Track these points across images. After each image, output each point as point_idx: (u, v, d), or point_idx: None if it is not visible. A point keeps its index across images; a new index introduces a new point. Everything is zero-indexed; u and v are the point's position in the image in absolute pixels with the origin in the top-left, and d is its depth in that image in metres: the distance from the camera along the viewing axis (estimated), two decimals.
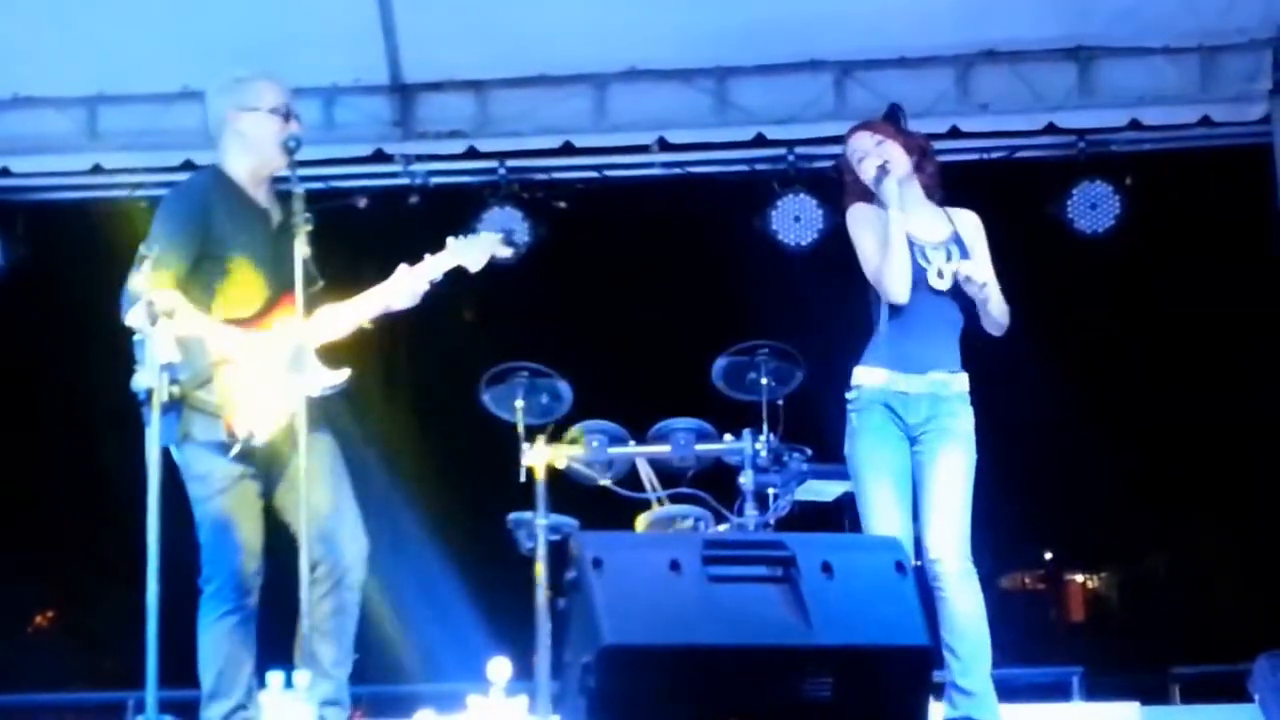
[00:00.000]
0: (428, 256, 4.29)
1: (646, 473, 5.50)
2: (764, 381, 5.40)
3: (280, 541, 4.07)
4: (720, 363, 5.49)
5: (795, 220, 6.78)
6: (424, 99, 6.66)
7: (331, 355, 4.15)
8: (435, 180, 6.92)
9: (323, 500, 3.99)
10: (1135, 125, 6.56)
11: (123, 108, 6.60)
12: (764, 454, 5.24)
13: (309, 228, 3.88)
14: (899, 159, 4.29)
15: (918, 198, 4.34)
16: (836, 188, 4.58)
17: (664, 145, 6.72)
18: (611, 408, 5.55)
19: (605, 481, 5.44)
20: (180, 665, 3.94)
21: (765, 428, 5.32)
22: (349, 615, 4.10)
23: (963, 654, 4.08)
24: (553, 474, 5.31)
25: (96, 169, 6.76)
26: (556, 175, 6.98)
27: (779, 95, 6.55)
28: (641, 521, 5.47)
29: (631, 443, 5.46)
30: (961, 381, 4.27)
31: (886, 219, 4.21)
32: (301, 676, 3.53)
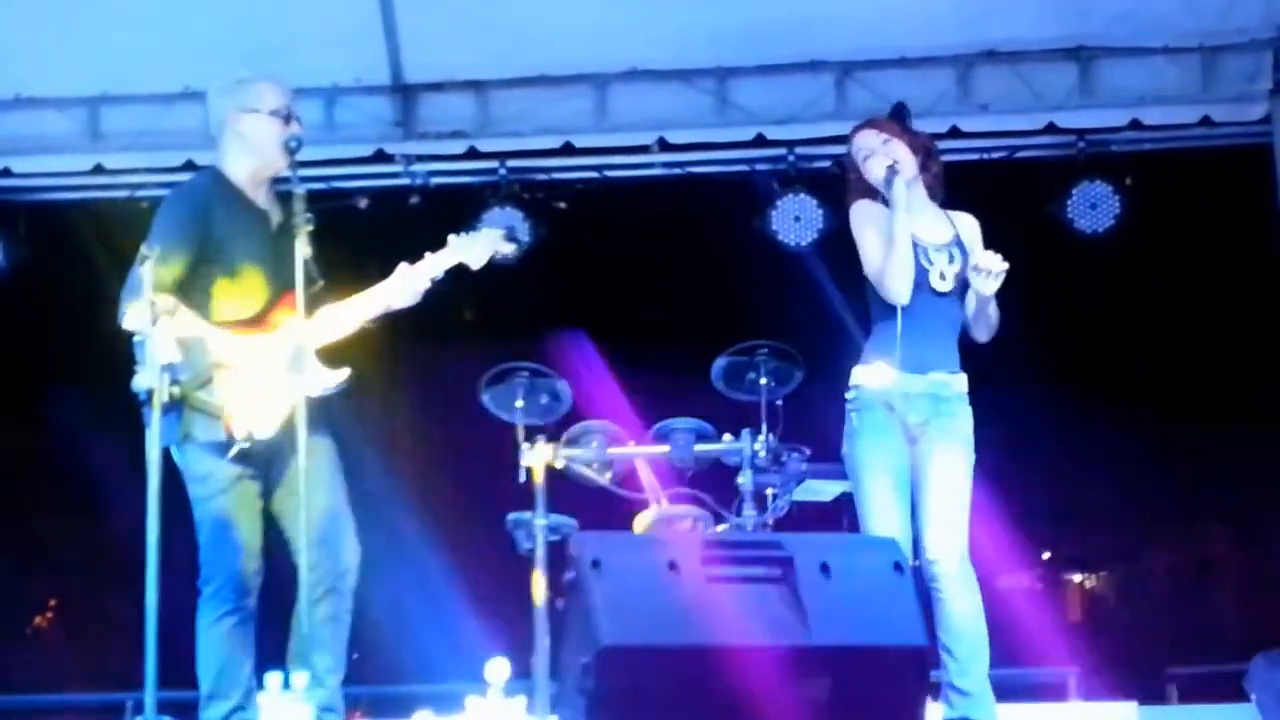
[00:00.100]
0: (428, 254, 4.29)
1: (646, 473, 5.50)
2: (763, 382, 5.40)
3: (276, 545, 4.08)
4: (719, 363, 5.49)
5: (795, 220, 6.79)
6: (425, 99, 6.67)
7: (332, 355, 4.16)
8: (436, 180, 6.93)
9: (320, 505, 4.00)
10: (1135, 125, 6.56)
11: (124, 108, 6.61)
12: (763, 454, 5.23)
13: (310, 228, 3.88)
14: (906, 159, 4.29)
15: (922, 199, 4.34)
16: (838, 186, 4.58)
17: (664, 145, 6.72)
18: (611, 408, 5.55)
19: (604, 482, 5.45)
20: (179, 666, 3.95)
21: (764, 428, 5.32)
22: (342, 622, 4.11)
23: (960, 654, 4.08)
24: (552, 474, 5.31)
25: (98, 169, 6.77)
26: (557, 175, 6.98)
27: (779, 95, 6.56)
28: (640, 522, 5.48)
29: (631, 443, 5.47)
30: (961, 382, 4.27)
31: (891, 218, 4.20)
32: (300, 678, 3.53)
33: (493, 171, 6.88)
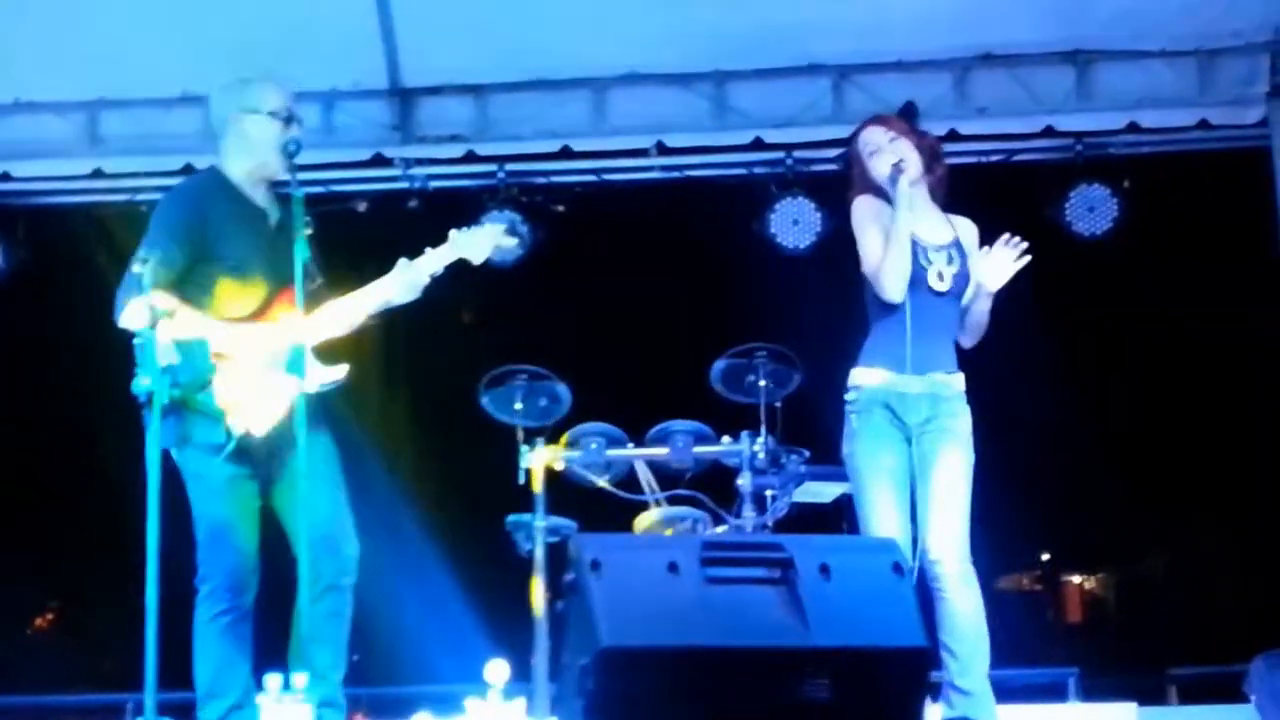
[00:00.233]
0: (429, 250, 4.25)
1: (645, 475, 5.51)
2: (762, 384, 5.42)
3: (276, 542, 4.09)
4: (718, 365, 5.51)
5: (793, 224, 6.80)
6: (423, 103, 6.68)
7: (331, 356, 4.16)
8: (434, 184, 6.94)
9: (320, 502, 4.01)
10: (1133, 128, 6.57)
11: (123, 112, 6.62)
12: (762, 456, 5.25)
13: (309, 231, 3.89)
14: (912, 158, 4.29)
15: (924, 199, 4.34)
16: (838, 184, 4.59)
17: (662, 149, 6.73)
18: (610, 410, 5.56)
19: (604, 484, 5.46)
20: (180, 667, 3.96)
21: (763, 430, 5.34)
22: (343, 618, 4.12)
23: (961, 654, 4.08)
24: (551, 476, 5.32)
25: (97, 173, 6.78)
26: (555, 179, 6.99)
27: (777, 99, 6.57)
28: (640, 523, 5.49)
29: (630, 445, 5.48)
30: (959, 382, 4.28)
31: (892, 215, 4.21)
32: (300, 678, 3.54)
33: (491, 175, 6.88)
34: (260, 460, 4.05)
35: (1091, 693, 6.63)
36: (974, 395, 4.29)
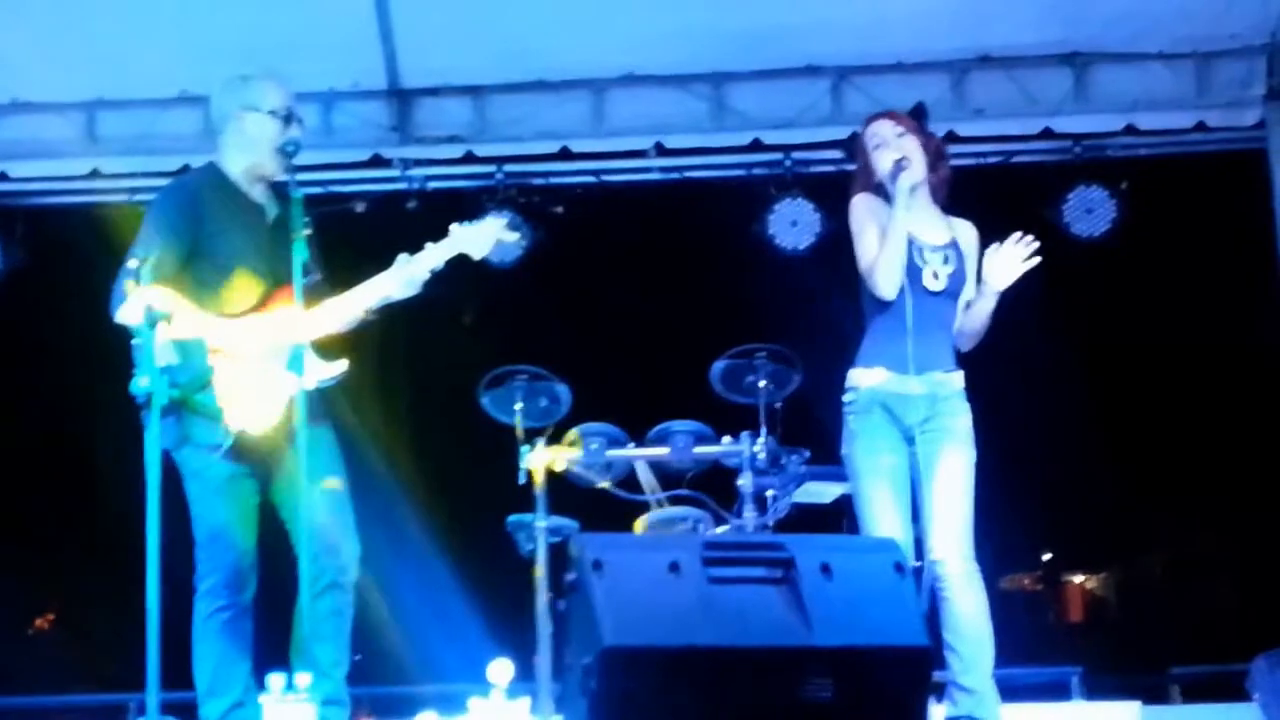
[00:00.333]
0: (429, 245, 4.23)
1: (646, 475, 5.52)
2: (762, 384, 5.42)
3: (277, 541, 4.09)
4: (718, 366, 5.51)
5: (792, 225, 6.80)
6: (422, 104, 6.68)
7: (330, 354, 4.16)
8: (433, 185, 6.94)
9: (321, 500, 4.00)
10: (1131, 130, 6.58)
11: (121, 112, 6.63)
12: (762, 456, 5.25)
13: (308, 231, 3.89)
14: (917, 156, 4.29)
15: (924, 199, 4.35)
16: (837, 185, 4.59)
17: (661, 150, 6.74)
18: (610, 410, 5.57)
19: (604, 484, 5.46)
20: (181, 667, 3.96)
21: (763, 430, 5.34)
22: (345, 616, 4.11)
23: (964, 653, 4.09)
24: (552, 476, 5.32)
25: (95, 173, 6.78)
26: (554, 180, 6.99)
27: (776, 100, 6.58)
28: (641, 523, 5.49)
29: (631, 445, 5.48)
30: (958, 380, 4.28)
31: (890, 213, 4.22)
32: (303, 678, 3.54)
33: (490, 176, 6.89)
34: (259, 458, 4.05)
35: (1094, 692, 6.64)
36: (974, 395, 4.29)
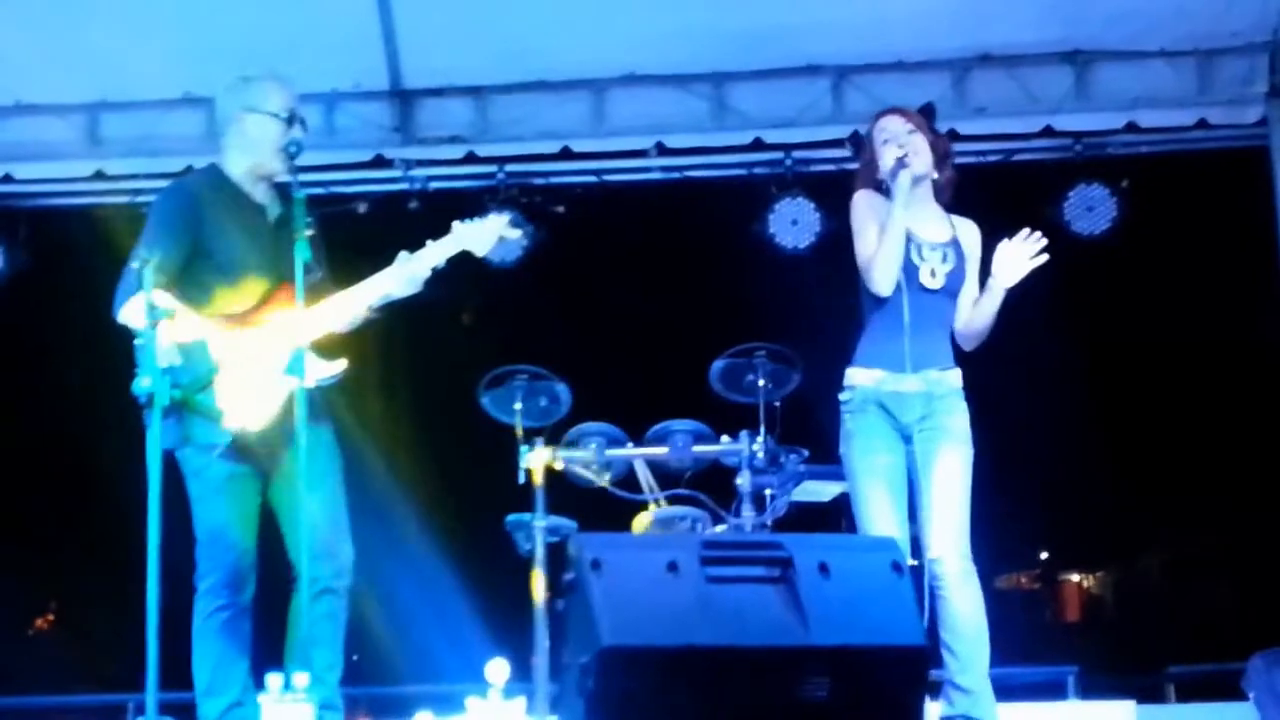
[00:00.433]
0: (430, 242, 4.23)
1: (644, 474, 5.52)
2: (761, 383, 5.43)
3: (273, 542, 4.10)
4: (718, 365, 5.52)
5: (793, 224, 6.81)
6: (424, 104, 6.69)
7: (330, 354, 4.17)
8: (435, 185, 6.95)
9: (317, 505, 4.01)
10: (1132, 128, 6.58)
11: (124, 114, 6.64)
12: (761, 455, 5.26)
13: (310, 232, 3.90)
14: (924, 155, 4.29)
15: (927, 198, 4.35)
16: (837, 185, 4.59)
17: (662, 150, 6.74)
18: (609, 410, 5.58)
19: (603, 483, 5.47)
20: (181, 668, 3.97)
21: (762, 429, 5.35)
22: (338, 621, 4.12)
23: (961, 652, 4.09)
24: (551, 476, 5.33)
25: (98, 175, 6.78)
26: (555, 180, 7.00)
27: (776, 100, 6.58)
28: (639, 523, 5.50)
29: (629, 444, 5.49)
30: (955, 378, 4.27)
31: (889, 209, 4.23)
32: (301, 678, 3.55)
33: (491, 176, 6.89)
34: (260, 457, 4.06)
35: (1090, 691, 6.64)
36: (973, 394, 4.29)
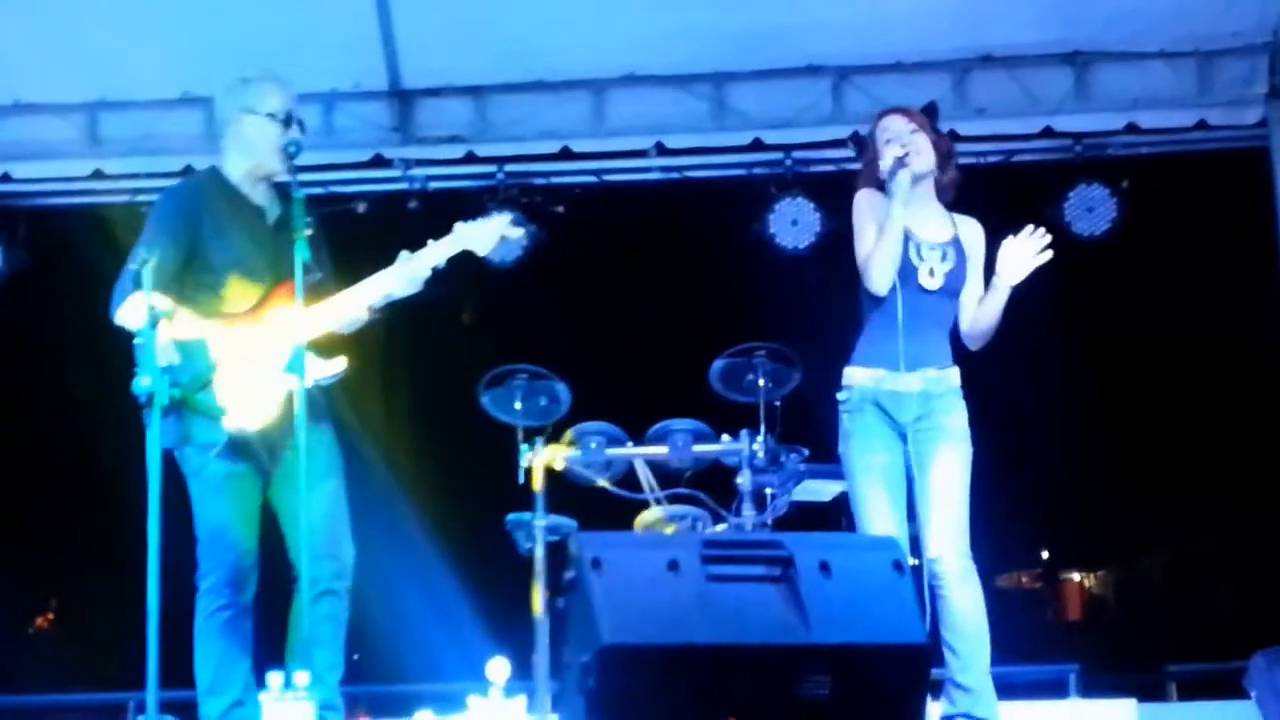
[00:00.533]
0: (431, 242, 4.22)
1: (645, 473, 5.52)
2: (761, 383, 5.43)
3: (275, 541, 4.10)
4: (718, 364, 5.52)
5: (792, 224, 6.81)
6: (423, 104, 6.68)
7: (330, 353, 4.17)
8: (434, 185, 6.95)
9: (318, 505, 4.01)
10: (1132, 129, 6.57)
11: (123, 114, 6.63)
12: (761, 455, 5.26)
13: (310, 232, 3.90)
14: (926, 154, 4.29)
15: (929, 197, 4.34)
16: (837, 185, 4.59)
17: (662, 150, 6.74)
18: (609, 409, 5.58)
19: (603, 482, 5.47)
20: (181, 666, 3.97)
21: (762, 429, 5.35)
22: (339, 622, 4.12)
23: (962, 651, 4.09)
24: (551, 475, 5.33)
25: (97, 174, 6.78)
26: (555, 180, 6.99)
27: (776, 100, 6.58)
28: (640, 522, 5.50)
29: (630, 444, 5.49)
30: (953, 376, 4.27)
31: (888, 208, 4.23)
32: (302, 676, 3.55)
33: (491, 176, 6.89)
34: (260, 457, 4.06)
35: (1091, 689, 6.64)
36: (973, 393, 4.29)
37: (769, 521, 5.37)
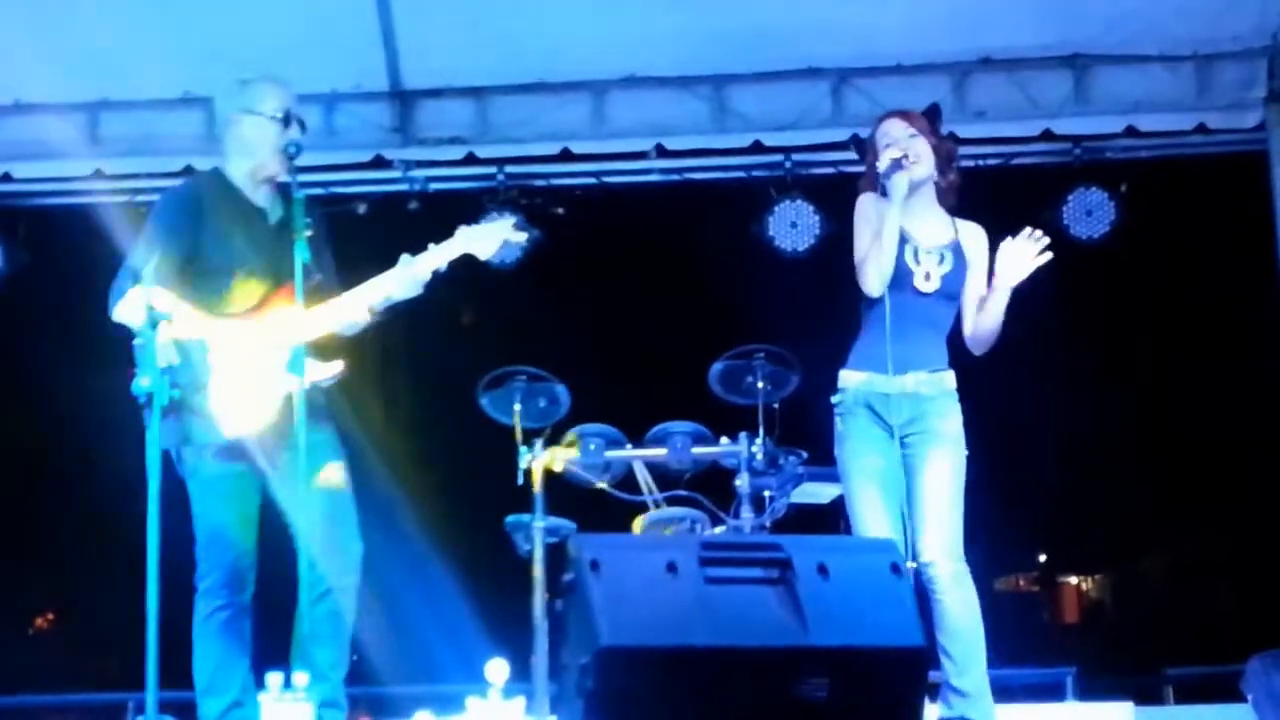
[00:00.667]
0: (432, 245, 4.22)
1: (643, 475, 5.53)
2: (760, 385, 5.44)
3: (278, 541, 4.10)
4: (717, 367, 5.53)
5: (792, 226, 6.81)
6: (424, 105, 6.69)
7: (330, 355, 4.17)
8: (435, 186, 6.96)
9: (322, 501, 4.02)
10: (1131, 132, 6.58)
11: (123, 114, 6.63)
12: (760, 457, 5.27)
13: (311, 233, 3.91)
14: (925, 157, 4.29)
15: (929, 201, 4.35)
16: (837, 187, 4.59)
17: (662, 152, 6.74)
18: (609, 411, 5.58)
19: (602, 484, 5.48)
20: (181, 666, 3.98)
21: (761, 431, 5.35)
22: (344, 619, 4.13)
23: (957, 655, 4.09)
24: (550, 477, 5.34)
25: (97, 174, 6.79)
26: (555, 181, 7.00)
27: (776, 102, 6.58)
28: (638, 524, 5.50)
29: (629, 446, 5.49)
30: (946, 380, 4.27)
31: (885, 212, 4.23)
32: (301, 677, 3.56)
33: (491, 177, 6.89)
34: (260, 458, 4.06)
35: (1088, 692, 6.64)
36: (971, 397, 4.29)
37: (767, 524, 5.37)
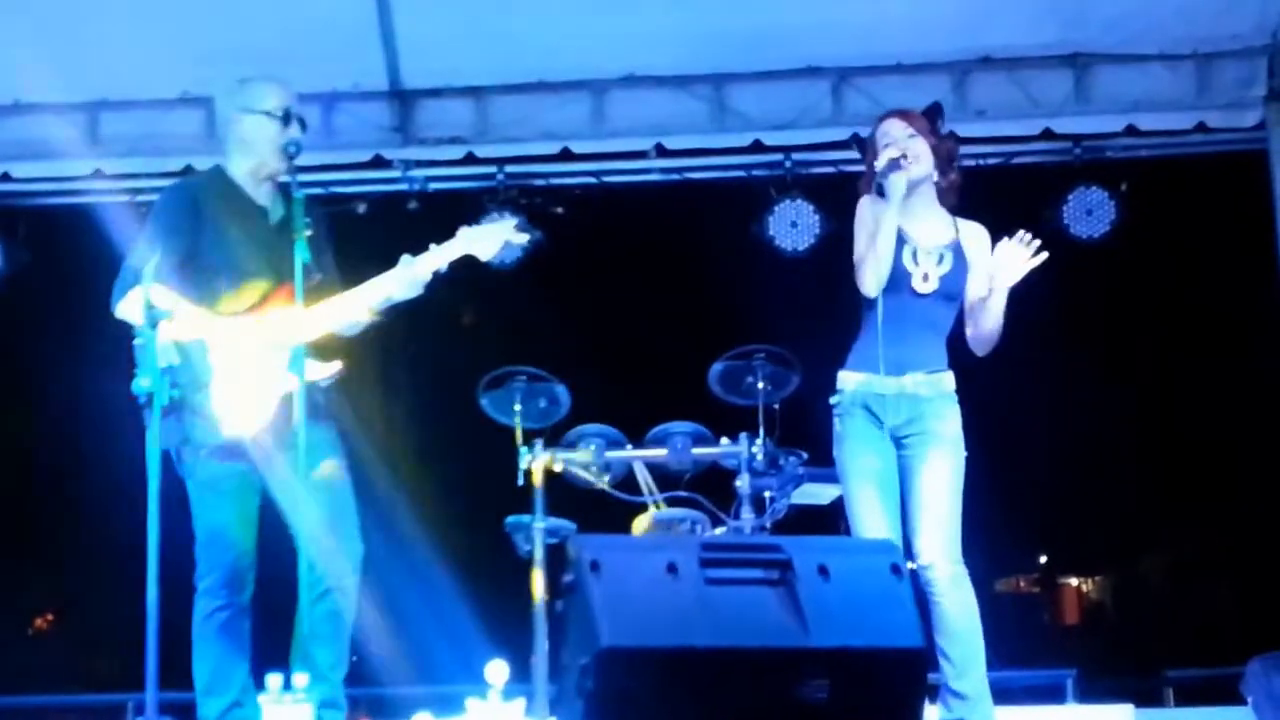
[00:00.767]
0: (433, 245, 4.21)
1: (644, 476, 5.53)
2: (760, 386, 5.44)
3: (276, 542, 4.10)
4: (717, 367, 5.53)
5: (792, 226, 6.81)
6: (423, 105, 6.68)
7: (330, 355, 4.17)
8: (434, 186, 6.95)
9: (323, 500, 4.02)
10: (1131, 131, 6.57)
11: (123, 113, 6.63)
12: (760, 458, 5.26)
13: (311, 233, 3.90)
14: (924, 158, 4.28)
15: (929, 201, 4.34)
16: (837, 187, 4.59)
17: (662, 151, 6.74)
18: (609, 411, 5.58)
19: (603, 485, 5.47)
20: (180, 667, 3.97)
21: (761, 432, 5.35)
22: (344, 619, 4.12)
23: (956, 657, 4.08)
24: (550, 477, 5.33)
25: (97, 174, 6.78)
26: (555, 181, 6.99)
27: (776, 101, 6.58)
28: (639, 524, 5.50)
29: (629, 446, 5.49)
30: (944, 381, 4.25)
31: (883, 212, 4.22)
32: (300, 678, 3.55)
33: (491, 177, 6.89)
34: (260, 458, 4.06)
35: (1089, 694, 6.64)
36: (971, 398, 4.28)
37: (768, 525, 5.37)
